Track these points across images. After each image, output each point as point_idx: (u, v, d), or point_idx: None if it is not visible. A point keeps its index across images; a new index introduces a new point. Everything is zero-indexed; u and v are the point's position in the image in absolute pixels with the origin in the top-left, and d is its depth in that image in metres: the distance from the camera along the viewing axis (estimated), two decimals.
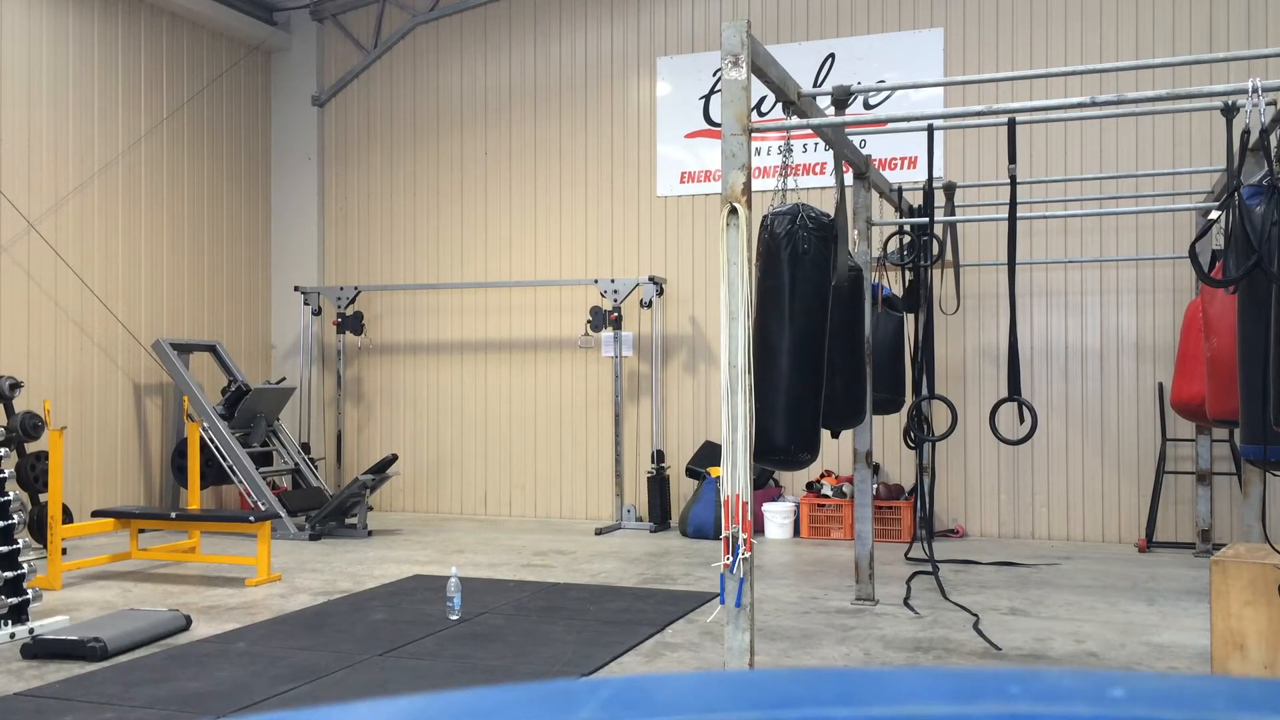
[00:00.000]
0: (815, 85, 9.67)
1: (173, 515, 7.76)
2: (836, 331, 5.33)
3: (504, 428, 10.94)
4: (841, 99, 5.57)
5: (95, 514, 7.85)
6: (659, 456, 10.01)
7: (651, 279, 10.07)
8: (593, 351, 10.58)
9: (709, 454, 9.76)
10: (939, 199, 6.99)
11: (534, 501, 10.82)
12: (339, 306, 11.02)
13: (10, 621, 5.66)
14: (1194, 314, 6.87)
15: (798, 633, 5.79)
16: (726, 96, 4.36)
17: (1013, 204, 5.24)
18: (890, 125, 7.99)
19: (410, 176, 11.42)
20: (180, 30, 10.75)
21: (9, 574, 5.68)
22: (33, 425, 7.99)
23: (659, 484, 9.87)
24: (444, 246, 11.25)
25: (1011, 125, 5.18)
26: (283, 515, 9.24)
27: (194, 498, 8.41)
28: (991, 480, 9.38)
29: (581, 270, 10.67)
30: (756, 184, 6.48)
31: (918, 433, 6.00)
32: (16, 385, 8.30)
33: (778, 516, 9.35)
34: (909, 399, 6.46)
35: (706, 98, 10.31)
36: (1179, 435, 8.76)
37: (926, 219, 6.23)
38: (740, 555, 4.14)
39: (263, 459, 10.12)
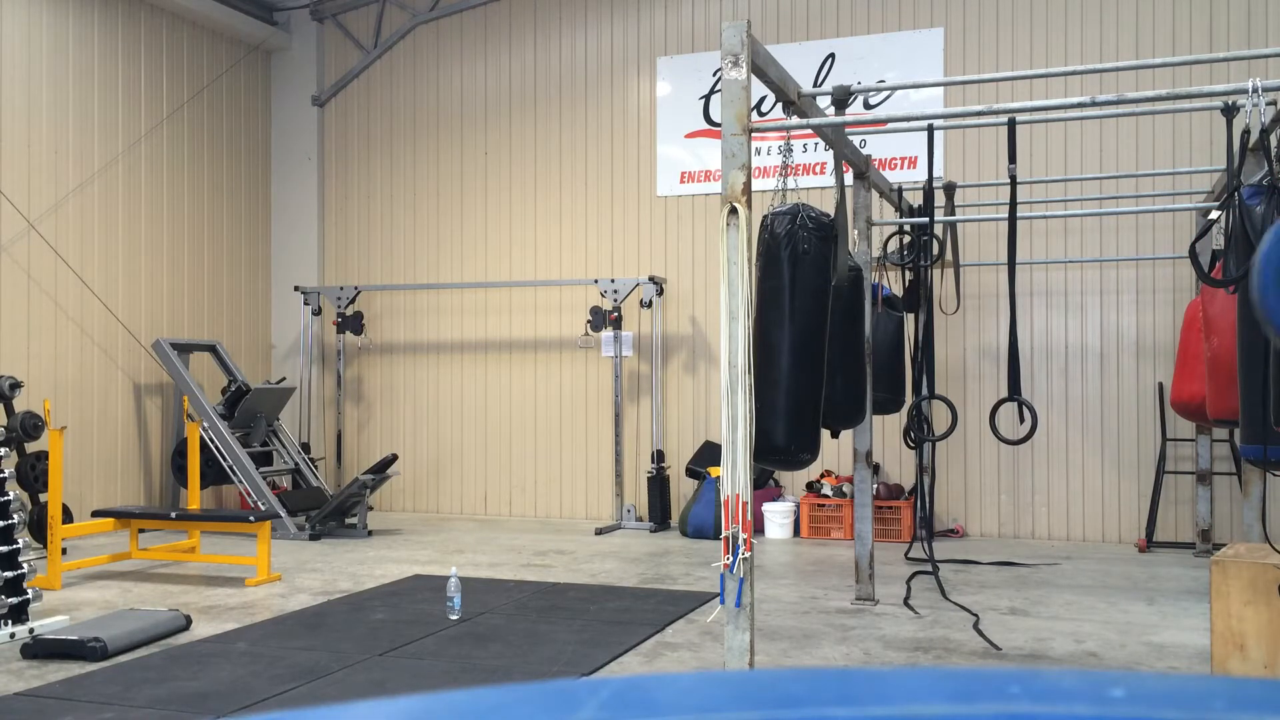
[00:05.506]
0: (815, 85, 9.67)
1: (173, 515, 7.76)
2: (836, 331, 5.33)
3: (504, 428, 10.94)
4: (841, 99, 5.57)
5: (95, 514, 7.85)
6: (659, 456, 10.00)
7: (651, 279, 10.07)
8: (593, 351, 10.58)
9: (709, 454, 9.76)
10: (939, 199, 6.99)
11: (534, 501, 10.82)
12: (339, 306, 11.02)
13: (10, 621, 5.66)
14: (1194, 314, 6.86)
15: (798, 633, 5.79)
16: (726, 96, 4.36)
17: (1013, 204, 5.24)
18: (890, 125, 7.99)
19: (410, 176, 11.42)
20: (180, 30, 10.75)
21: (9, 574, 5.68)
22: (33, 425, 7.99)
23: (659, 484, 9.87)
24: (444, 246, 11.25)
25: (1011, 125, 5.18)
26: (283, 515, 9.24)
27: (194, 498, 8.41)
28: (991, 480, 9.38)
29: (581, 270, 10.67)
30: (756, 184, 6.47)
31: (918, 433, 6.00)
32: (16, 385, 8.30)
33: (778, 516, 9.35)
34: (909, 399, 6.46)
35: (706, 98, 10.31)
36: (1179, 435, 8.76)
37: (926, 219, 6.23)
38: (740, 555, 4.14)
39: (263, 459, 10.12)
